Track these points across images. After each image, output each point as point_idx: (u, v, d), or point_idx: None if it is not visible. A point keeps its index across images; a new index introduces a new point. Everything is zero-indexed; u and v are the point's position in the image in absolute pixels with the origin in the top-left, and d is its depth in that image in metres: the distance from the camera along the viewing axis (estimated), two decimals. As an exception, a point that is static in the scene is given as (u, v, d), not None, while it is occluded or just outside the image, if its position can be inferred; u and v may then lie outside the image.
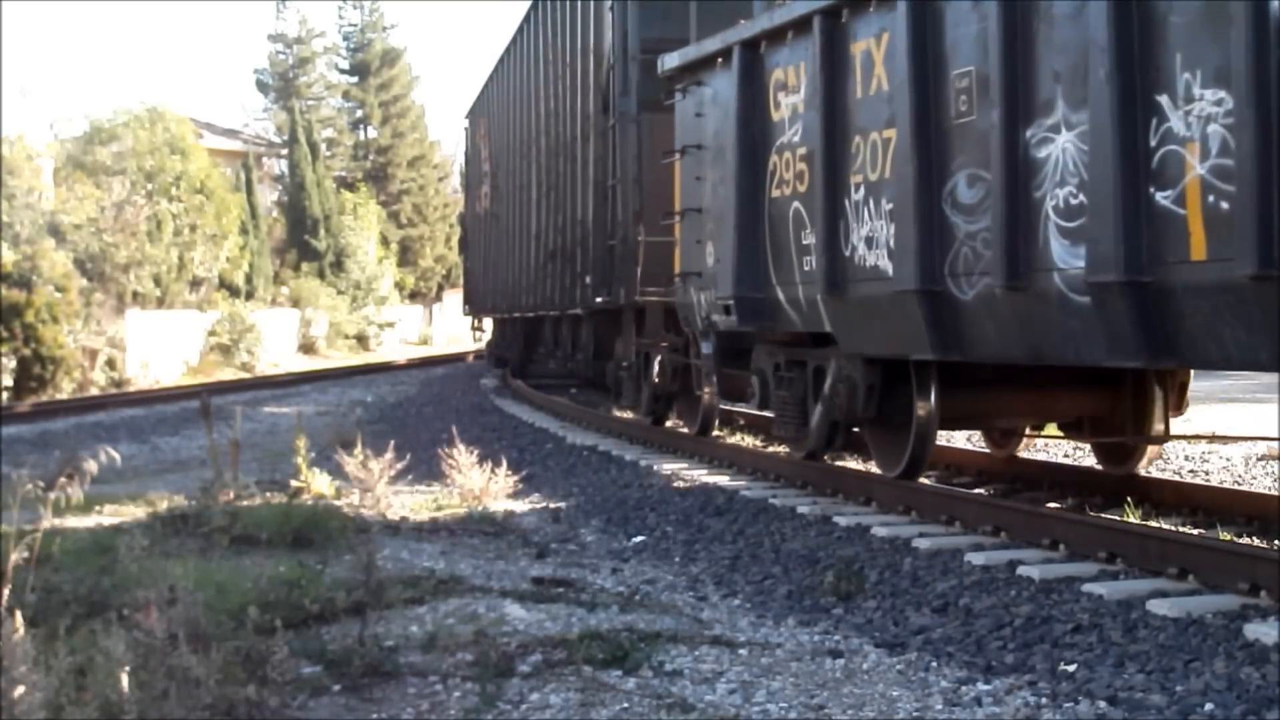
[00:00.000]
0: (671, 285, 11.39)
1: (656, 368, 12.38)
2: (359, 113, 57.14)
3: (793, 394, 9.28)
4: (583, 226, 15.07)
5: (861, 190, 7.91)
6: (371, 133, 57.08)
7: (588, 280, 14.73)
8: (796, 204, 8.72)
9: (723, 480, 10.21)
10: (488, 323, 26.83)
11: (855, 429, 9.16)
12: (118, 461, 4.89)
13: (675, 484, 10.35)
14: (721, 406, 12.37)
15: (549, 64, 17.73)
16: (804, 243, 8.58)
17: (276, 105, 56.24)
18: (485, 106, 24.81)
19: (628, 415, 14.94)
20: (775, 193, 9.03)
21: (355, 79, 56.99)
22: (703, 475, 10.60)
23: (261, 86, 57.50)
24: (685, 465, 11.24)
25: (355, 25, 57.23)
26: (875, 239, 7.76)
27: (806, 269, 8.58)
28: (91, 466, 4.73)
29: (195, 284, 34.85)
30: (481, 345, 28.42)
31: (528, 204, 19.47)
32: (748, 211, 9.26)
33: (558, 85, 17.10)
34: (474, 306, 27.76)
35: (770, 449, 11.66)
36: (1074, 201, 6.23)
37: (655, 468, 11.13)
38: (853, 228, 8.01)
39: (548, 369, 21.53)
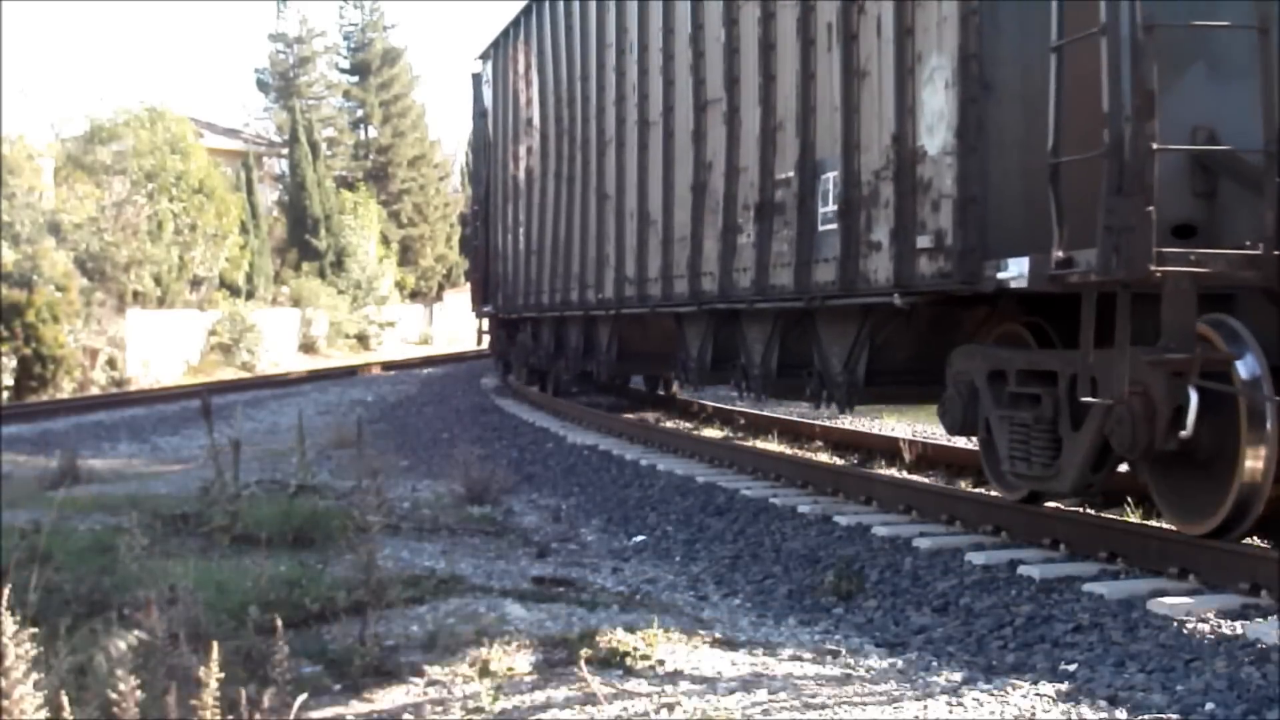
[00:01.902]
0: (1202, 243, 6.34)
1: (1193, 408, 6.14)
2: (359, 112, 57.10)
3: None
4: (898, 147, 8.36)
5: None
6: (372, 132, 57.04)
7: (922, 242, 8.18)
8: None
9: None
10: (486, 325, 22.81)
11: None
12: (120, 463, 4.89)
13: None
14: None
15: None
16: None
17: (277, 105, 56.19)
18: (531, 33, 18.40)
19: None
20: None
21: (356, 78, 56.95)
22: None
23: (262, 86, 57.48)
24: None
25: (356, 25, 57.21)
26: None
27: None
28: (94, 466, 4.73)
29: (196, 283, 34.84)
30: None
31: (659, 145, 13.25)
32: None
33: None
34: (503, 303, 20.81)
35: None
36: None
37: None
38: None
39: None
